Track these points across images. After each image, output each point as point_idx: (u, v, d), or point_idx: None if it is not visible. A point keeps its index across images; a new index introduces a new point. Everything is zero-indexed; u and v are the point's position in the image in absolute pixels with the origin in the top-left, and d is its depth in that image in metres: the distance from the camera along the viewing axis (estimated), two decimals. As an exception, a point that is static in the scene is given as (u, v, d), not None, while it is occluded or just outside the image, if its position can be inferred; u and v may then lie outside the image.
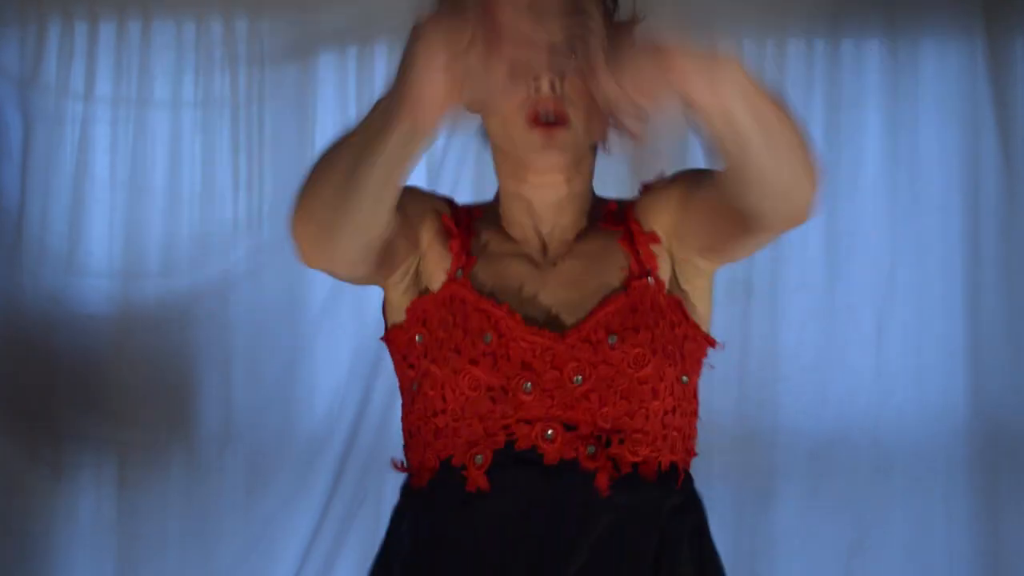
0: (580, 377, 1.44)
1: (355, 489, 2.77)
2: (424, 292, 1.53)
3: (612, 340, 1.45)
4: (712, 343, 1.57)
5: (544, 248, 1.56)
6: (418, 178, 2.85)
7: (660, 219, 1.56)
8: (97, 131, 2.87)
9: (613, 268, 1.52)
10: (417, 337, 1.50)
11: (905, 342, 2.87)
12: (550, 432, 1.43)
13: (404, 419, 1.54)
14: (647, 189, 1.60)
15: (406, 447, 1.54)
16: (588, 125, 1.49)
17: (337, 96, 2.88)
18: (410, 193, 1.53)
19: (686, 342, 1.52)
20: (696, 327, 1.54)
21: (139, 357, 2.82)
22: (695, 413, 1.54)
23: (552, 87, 1.46)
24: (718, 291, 2.94)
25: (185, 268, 2.84)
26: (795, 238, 2.86)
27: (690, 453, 1.53)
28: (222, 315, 2.84)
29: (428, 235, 1.56)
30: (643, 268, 1.52)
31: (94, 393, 2.81)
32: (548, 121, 1.47)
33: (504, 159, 1.56)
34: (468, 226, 1.57)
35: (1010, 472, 2.86)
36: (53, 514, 2.82)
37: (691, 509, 1.50)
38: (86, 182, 2.85)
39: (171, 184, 2.86)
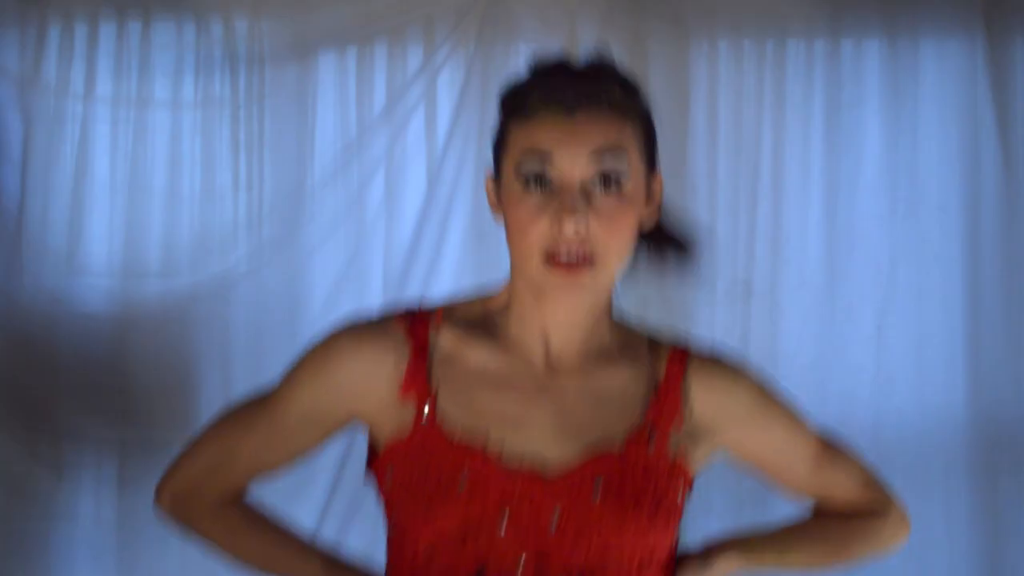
0: (555, 523, 1.38)
1: (355, 489, 2.77)
2: (394, 435, 1.46)
3: (596, 498, 1.39)
4: (690, 488, 1.51)
5: (548, 362, 1.48)
6: (418, 180, 2.87)
7: (727, 420, 1.53)
8: (97, 131, 2.86)
9: (622, 418, 1.46)
10: (387, 478, 1.45)
11: (905, 342, 2.87)
12: (521, 564, 1.38)
13: (386, 551, 1.51)
14: (717, 365, 1.55)
15: None
16: (615, 259, 1.42)
17: (337, 96, 2.88)
18: (313, 391, 1.50)
19: (678, 498, 1.46)
20: (689, 481, 1.49)
21: (139, 357, 2.82)
22: (675, 549, 1.50)
23: (577, 232, 1.38)
24: (718, 291, 2.96)
25: (185, 268, 2.84)
26: (795, 238, 2.87)
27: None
28: (222, 315, 2.84)
29: (359, 399, 1.48)
30: (652, 428, 1.46)
31: (94, 393, 2.81)
32: (571, 262, 1.38)
33: (519, 268, 1.46)
34: (423, 347, 1.47)
35: (1010, 472, 2.86)
36: (53, 514, 2.82)
37: None
38: (86, 182, 2.85)
39: (171, 184, 2.86)
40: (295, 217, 2.86)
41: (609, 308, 1.51)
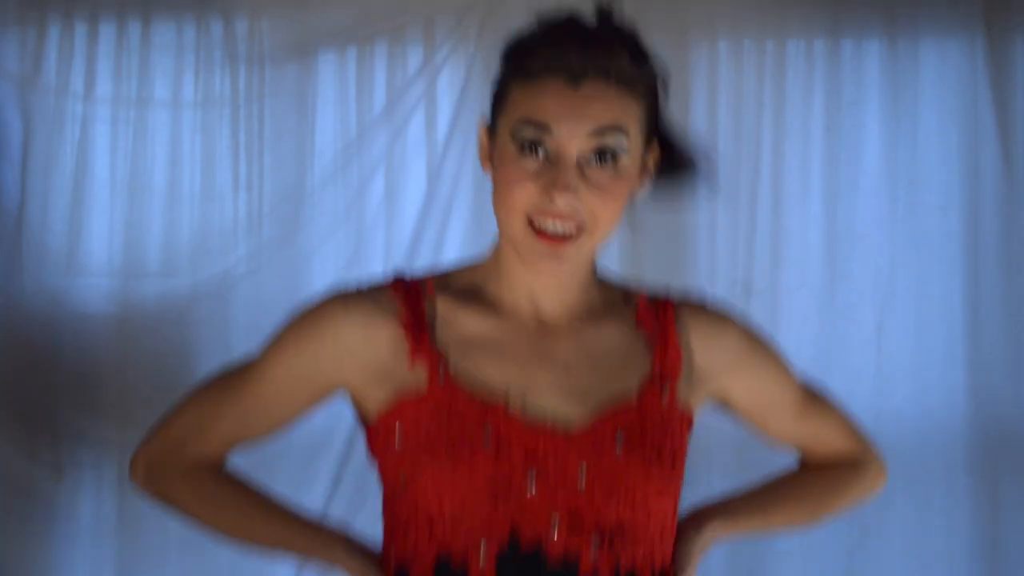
0: (584, 480, 1.36)
1: (355, 489, 2.77)
2: (403, 396, 1.41)
3: (619, 450, 1.38)
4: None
5: (540, 324, 1.46)
6: (418, 180, 2.87)
7: (718, 367, 1.52)
8: (97, 131, 2.86)
9: (632, 370, 1.45)
10: (397, 426, 1.40)
11: (905, 342, 2.87)
12: (555, 523, 1.35)
13: (385, 514, 1.44)
14: (705, 312, 1.54)
15: (388, 544, 1.44)
16: (603, 231, 1.39)
17: (337, 96, 2.88)
18: (299, 358, 1.45)
19: (687, 449, 1.46)
20: (686, 442, 1.47)
21: (139, 357, 2.82)
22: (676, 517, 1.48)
23: (568, 205, 1.36)
24: (718, 291, 2.97)
25: (185, 268, 2.84)
26: (795, 238, 2.87)
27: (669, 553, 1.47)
28: (222, 315, 2.84)
29: (349, 368, 1.43)
30: (663, 379, 1.46)
31: (94, 393, 2.81)
32: (556, 234, 1.37)
33: (502, 227, 1.45)
34: (419, 314, 1.43)
35: (1010, 472, 2.86)
36: (53, 514, 2.82)
37: None
38: (86, 182, 2.85)
39: (171, 184, 2.86)
40: (295, 217, 2.86)
41: (594, 268, 1.50)
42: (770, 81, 2.87)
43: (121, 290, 2.83)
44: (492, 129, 1.44)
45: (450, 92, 2.85)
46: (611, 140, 1.37)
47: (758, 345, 1.57)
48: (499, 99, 1.42)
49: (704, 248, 2.84)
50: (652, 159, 1.47)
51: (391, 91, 2.86)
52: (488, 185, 1.46)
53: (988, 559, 2.84)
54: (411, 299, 1.45)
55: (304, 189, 2.86)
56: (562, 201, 1.35)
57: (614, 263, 2.67)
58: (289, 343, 1.47)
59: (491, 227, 1.56)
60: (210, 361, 2.84)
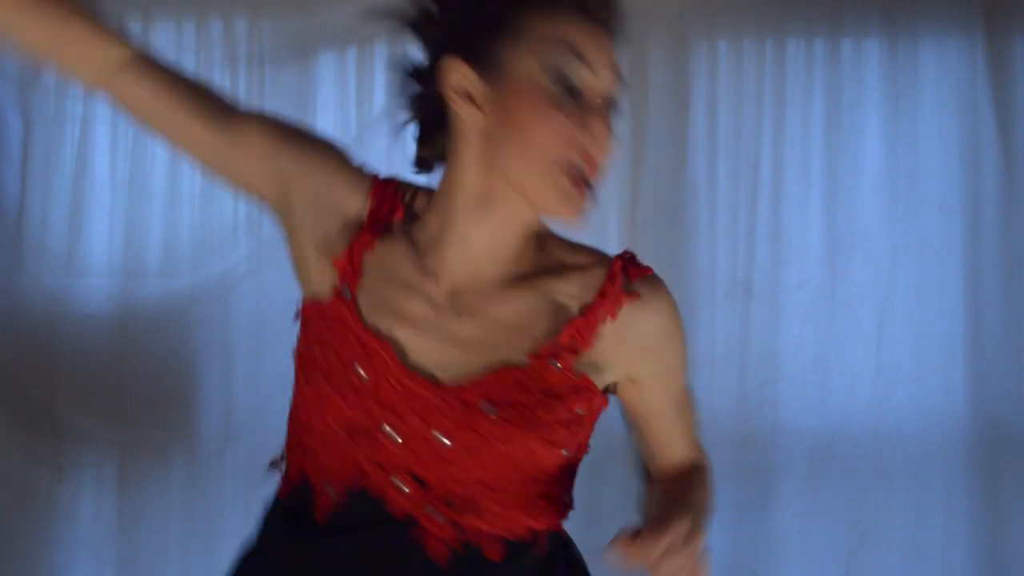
0: (445, 437, 1.29)
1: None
2: (314, 294, 1.41)
3: (489, 410, 1.29)
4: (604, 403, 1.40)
5: (452, 296, 1.35)
6: (418, 180, 2.87)
7: (636, 349, 1.35)
8: (97, 131, 2.86)
9: (526, 338, 1.32)
10: (301, 341, 1.40)
11: (905, 342, 2.87)
12: (403, 484, 1.30)
13: (290, 411, 1.44)
14: (640, 299, 1.35)
15: (286, 443, 1.45)
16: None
17: (337, 96, 2.88)
18: (309, 141, 1.42)
19: (572, 425, 1.34)
20: (594, 411, 1.37)
21: (139, 357, 2.82)
22: (574, 475, 1.39)
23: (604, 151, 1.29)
24: (718, 291, 2.96)
25: (185, 268, 2.84)
26: (795, 238, 2.87)
27: (559, 508, 1.38)
28: (222, 315, 2.84)
29: (307, 199, 1.41)
30: (556, 350, 1.32)
31: (94, 393, 2.81)
32: (584, 179, 1.27)
33: (482, 178, 1.34)
34: (376, 227, 1.38)
35: (1010, 472, 2.86)
36: (53, 514, 2.82)
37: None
38: (86, 182, 2.85)
39: (171, 184, 2.86)
40: (295, 217, 2.86)
41: (534, 236, 1.39)
42: (770, 81, 2.87)
43: (121, 290, 2.83)
44: (484, 66, 1.31)
45: (450, 92, 2.85)
46: (619, 91, 1.31)
47: (677, 330, 1.40)
48: (502, 28, 1.30)
49: (704, 248, 2.84)
50: None
51: (391, 91, 2.86)
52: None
53: (988, 559, 2.84)
54: (387, 203, 1.40)
55: (304, 189, 2.86)
56: (607, 139, 1.26)
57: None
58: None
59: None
60: (210, 361, 2.85)
